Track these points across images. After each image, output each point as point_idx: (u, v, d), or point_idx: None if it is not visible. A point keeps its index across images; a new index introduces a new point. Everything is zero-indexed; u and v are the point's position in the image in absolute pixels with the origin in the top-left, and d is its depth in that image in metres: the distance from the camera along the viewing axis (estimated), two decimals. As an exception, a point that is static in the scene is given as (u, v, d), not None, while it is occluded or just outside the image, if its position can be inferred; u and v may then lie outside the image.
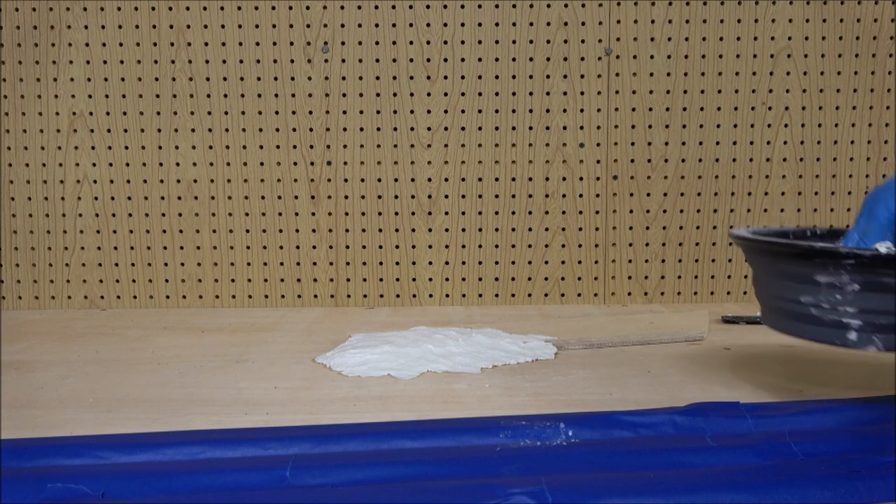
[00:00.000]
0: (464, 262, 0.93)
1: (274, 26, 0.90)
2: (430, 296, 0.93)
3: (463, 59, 0.91)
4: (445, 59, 0.91)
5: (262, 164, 0.92)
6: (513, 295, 0.93)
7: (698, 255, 0.93)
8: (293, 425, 0.49)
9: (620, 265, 0.93)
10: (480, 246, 0.93)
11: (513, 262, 0.93)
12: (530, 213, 0.92)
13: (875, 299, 0.46)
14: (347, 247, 0.93)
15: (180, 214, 0.92)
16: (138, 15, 0.90)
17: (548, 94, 0.91)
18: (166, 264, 0.93)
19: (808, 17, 0.90)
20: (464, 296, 0.93)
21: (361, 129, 0.91)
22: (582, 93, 0.91)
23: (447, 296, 0.93)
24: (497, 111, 0.91)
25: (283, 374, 0.63)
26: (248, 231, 0.92)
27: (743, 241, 0.54)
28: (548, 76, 0.91)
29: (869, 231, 0.51)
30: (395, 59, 0.90)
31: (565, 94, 0.91)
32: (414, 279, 0.93)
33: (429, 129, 0.91)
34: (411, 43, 0.90)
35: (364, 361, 0.64)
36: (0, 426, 0.50)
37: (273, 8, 0.90)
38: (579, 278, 0.93)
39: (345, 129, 0.91)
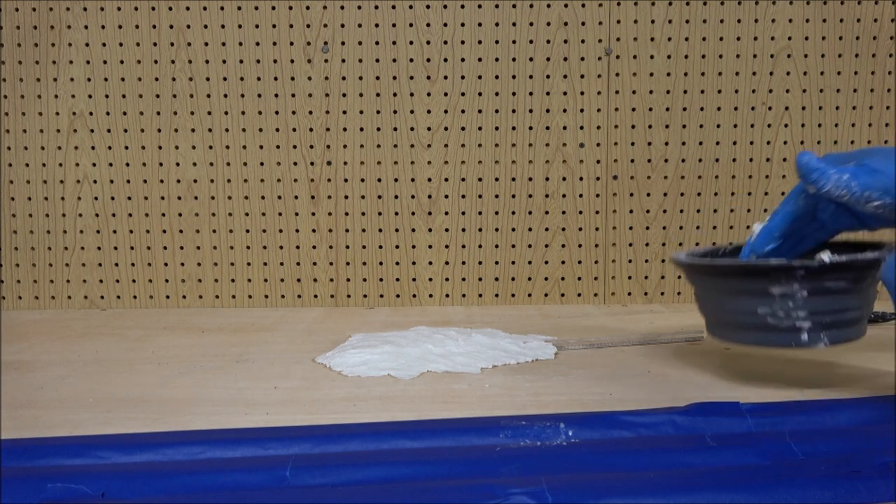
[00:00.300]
0: (464, 262, 0.93)
1: (274, 26, 0.90)
2: (430, 296, 0.93)
3: (463, 59, 0.91)
4: (445, 59, 0.91)
5: (262, 164, 0.92)
6: (513, 295, 0.93)
7: (698, 255, 0.93)
8: (293, 425, 0.49)
9: (620, 265, 0.93)
10: (480, 246, 0.93)
11: (513, 262, 0.93)
12: (530, 213, 0.92)
13: (820, 301, 0.53)
14: (347, 247, 0.93)
15: (180, 214, 0.92)
16: (138, 15, 0.90)
17: (548, 94, 0.91)
18: (166, 264, 0.93)
19: (808, 17, 0.90)
20: (464, 296, 0.93)
21: (361, 129, 0.91)
22: (582, 93, 0.91)
23: (447, 296, 0.93)
24: (497, 111, 0.91)
25: (283, 374, 0.63)
26: (248, 231, 0.92)
27: (692, 267, 0.60)
28: (548, 76, 0.91)
29: (782, 204, 0.58)
30: (395, 59, 0.90)
31: (565, 94, 0.91)
32: (414, 279, 0.93)
33: (429, 129, 0.91)
34: (411, 43, 0.90)
35: (364, 361, 0.64)
36: (0, 426, 0.50)
37: (273, 8, 0.90)
38: (579, 278, 0.93)
39: (345, 129, 0.91)
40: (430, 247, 0.93)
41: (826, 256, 0.53)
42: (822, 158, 0.54)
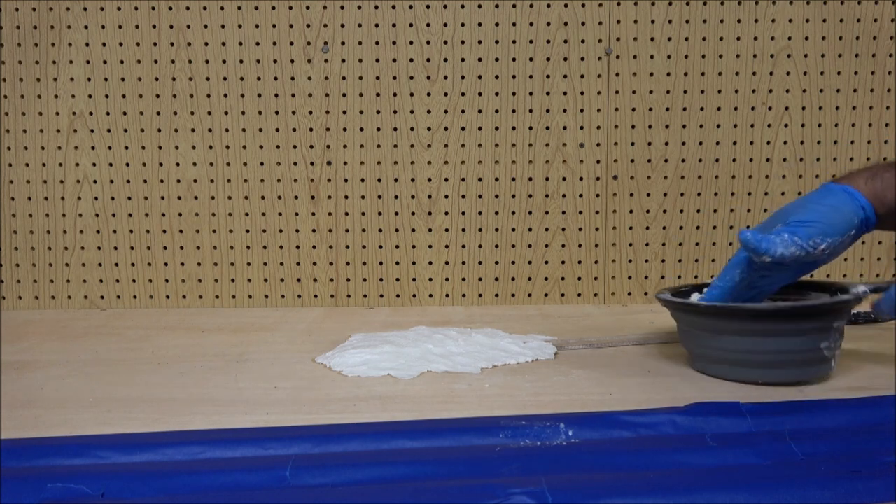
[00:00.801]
0: (464, 262, 0.93)
1: (274, 26, 0.90)
2: (430, 296, 0.93)
3: (463, 59, 0.90)
4: (445, 59, 0.91)
5: (262, 164, 0.92)
6: (513, 295, 0.93)
7: (698, 255, 0.93)
8: (293, 425, 0.49)
9: (620, 265, 0.93)
10: (480, 246, 0.93)
11: (513, 262, 0.93)
12: (530, 213, 0.92)
13: (842, 330, 0.58)
14: (347, 247, 0.93)
15: (180, 214, 0.92)
16: (138, 15, 0.90)
17: (548, 94, 0.91)
18: (166, 264, 0.93)
19: (808, 17, 0.90)
20: (464, 296, 0.93)
21: (361, 129, 0.91)
22: (582, 93, 0.91)
23: (447, 296, 0.93)
24: (497, 111, 0.91)
25: (283, 374, 0.63)
26: (248, 231, 0.92)
27: (742, 312, 0.59)
28: (548, 76, 0.91)
29: (719, 277, 0.62)
30: (395, 59, 0.90)
31: (565, 94, 0.91)
32: (414, 279, 0.93)
33: (429, 129, 0.91)
34: (411, 43, 0.90)
35: (364, 361, 0.64)
36: (0, 426, 0.50)
37: (273, 8, 0.90)
38: (579, 278, 0.93)
39: (345, 129, 0.91)
40: (430, 247, 0.93)
41: (864, 288, 0.58)
42: (757, 230, 0.60)
